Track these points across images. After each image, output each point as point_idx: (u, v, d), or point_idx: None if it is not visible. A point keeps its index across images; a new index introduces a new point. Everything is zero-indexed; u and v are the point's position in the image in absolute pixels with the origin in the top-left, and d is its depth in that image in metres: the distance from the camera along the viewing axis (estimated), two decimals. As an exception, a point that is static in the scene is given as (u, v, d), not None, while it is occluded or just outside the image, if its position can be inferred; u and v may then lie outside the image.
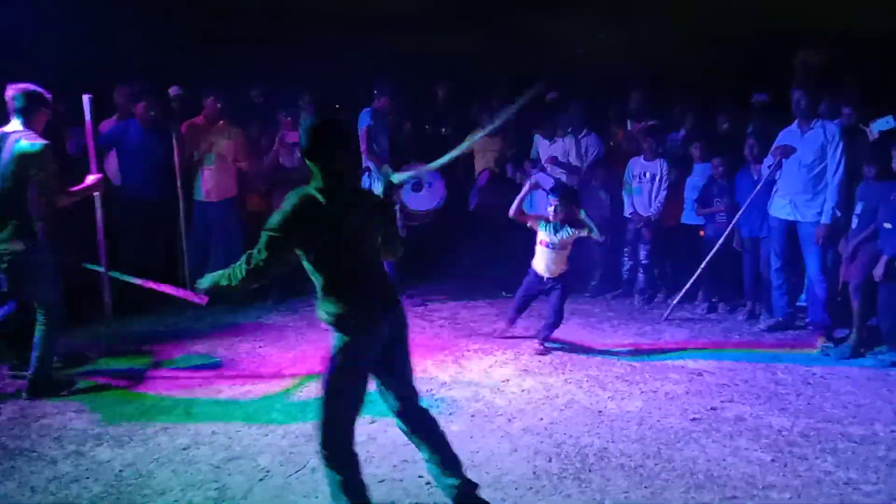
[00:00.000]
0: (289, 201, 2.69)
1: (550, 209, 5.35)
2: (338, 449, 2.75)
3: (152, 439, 3.82)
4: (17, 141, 4.23)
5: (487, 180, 7.09)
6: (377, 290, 2.82)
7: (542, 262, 5.39)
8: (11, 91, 4.33)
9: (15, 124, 4.32)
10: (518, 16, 8.63)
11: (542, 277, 5.40)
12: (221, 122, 6.36)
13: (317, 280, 2.76)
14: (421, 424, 2.97)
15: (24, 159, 4.20)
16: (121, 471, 3.48)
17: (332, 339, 2.76)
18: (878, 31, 7.04)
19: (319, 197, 2.69)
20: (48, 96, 4.43)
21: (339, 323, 2.73)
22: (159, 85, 6.70)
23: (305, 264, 2.77)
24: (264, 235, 2.68)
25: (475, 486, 3.02)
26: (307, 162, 2.76)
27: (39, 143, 4.25)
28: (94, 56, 6.51)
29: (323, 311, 2.77)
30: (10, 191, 4.25)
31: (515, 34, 8.65)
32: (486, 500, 3.04)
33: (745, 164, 6.14)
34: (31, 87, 4.37)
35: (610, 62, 7.96)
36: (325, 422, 2.74)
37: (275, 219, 2.67)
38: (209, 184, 6.30)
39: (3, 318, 4.54)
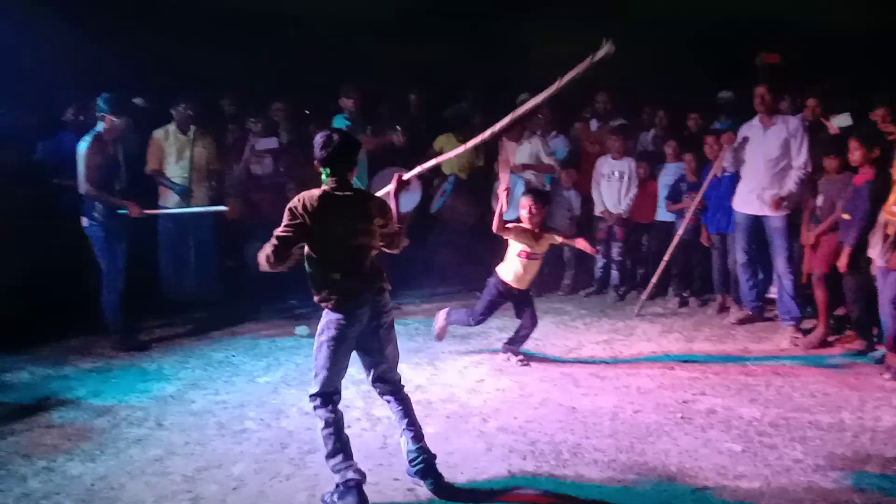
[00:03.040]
0: (296, 200, 3.15)
1: (524, 212, 5.02)
2: (322, 395, 3.23)
3: (124, 452, 3.77)
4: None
5: (454, 184, 7.10)
6: (362, 276, 3.23)
7: (520, 274, 5.01)
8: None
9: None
10: (491, 23, 8.73)
11: (510, 288, 5.07)
12: (192, 129, 6.30)
13: (314, 267, 3.21)
14: (396, 398, 3.40)
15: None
16: (92, 485, 3.44)
17: (323, 316, 3.22)
18: (845, 30, 7.21)
19: (326, 196, 3.18)
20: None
21: (327, 305, 3.20)
22: (127, 95, 6.64)
23: (307, 252, 3.21)
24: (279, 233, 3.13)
25: (434, 455, 3.37)
26: (320, 168, 3.25)
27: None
28: (65, 69, 6.46)
29: (318, 295, 3.23)
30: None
31: (488, 40, 8.73)
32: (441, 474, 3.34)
33: (709, 162, 6.24)
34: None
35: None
36: (315, 375, 3.25)
37: (285, 217, 3.13)
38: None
39: None
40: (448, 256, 7.41)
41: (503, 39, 8.70)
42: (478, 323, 5.19)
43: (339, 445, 3.19)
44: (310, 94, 8.01)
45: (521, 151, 7.03)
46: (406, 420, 3.36)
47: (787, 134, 5.55)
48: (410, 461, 3.34)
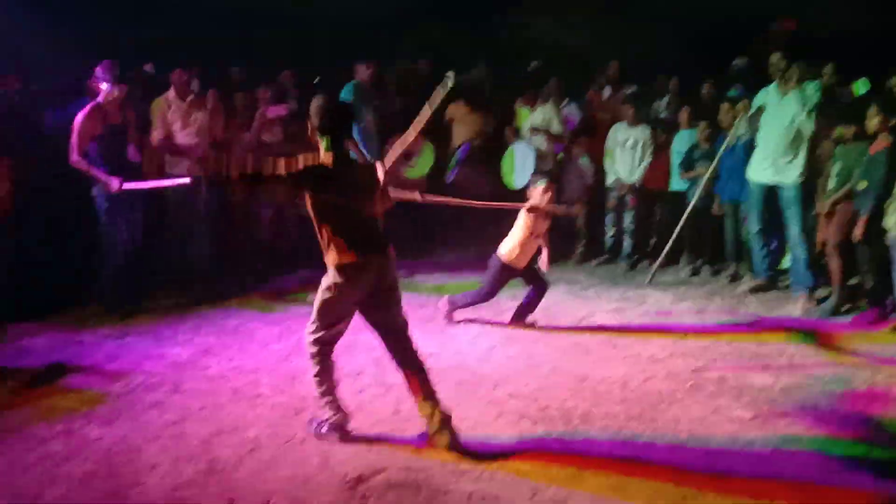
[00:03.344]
0: (303, 161, 3.22)
1: (546, 195, 5.06)
2: (316, 345, 3.42)
3: (141, 416, 3.84)
4: None
5: (467, 153, 7.09)
6: (370, 242, 3.35)
7: (524, 253, 5.07)
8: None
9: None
10: (497, 15, 8.72)
11: (513, 269, 5.09)
12: (192, 96, 6.19)
13: (321, 230, 3.31)
14: (404, 357, 3.47)
15: None
16: (110, 448, 3.50)
17: (328, 273, 3.35)
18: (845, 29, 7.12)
19: (327, 163, 3.27)
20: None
21: (336, 267, 3.29)
22: (132, 63, 6.60)
23: (313, 216, 3.31)
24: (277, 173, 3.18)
25: (449, 416, 3.41)
26: (318, 135, 3.31)
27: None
28: (76, 36, 6.43)
29: (327, 256, 3.33)
30: None
31: (495, 31, 8.72)
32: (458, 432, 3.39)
33: (722, 129, 6.17)
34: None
35: (590, 34, 8.02)
36: (313, 322, 3.42)
37: (291, 168, 3.19)
38: (188, 160, 6.08)
39: None
40: (461, 225, 7.41)
41: (509, 31, 8.68)
42: (486, 301, 5.25)
43: (328, 386, 3.46)
44: (321, 64, 7.99)
45: (534, 117, 7.01)
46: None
47: (803, 98, 5.48)
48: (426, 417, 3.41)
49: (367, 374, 4.35)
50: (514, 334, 5.04)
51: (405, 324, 3.53)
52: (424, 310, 5.62)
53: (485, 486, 3.10)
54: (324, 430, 3.49)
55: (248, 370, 4.44)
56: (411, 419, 3.70)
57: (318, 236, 3.34)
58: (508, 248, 5.09)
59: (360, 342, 4.87)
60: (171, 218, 6.23)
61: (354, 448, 3.44)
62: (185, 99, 6.14)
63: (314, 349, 3.43)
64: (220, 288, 6.10)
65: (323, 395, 3.46)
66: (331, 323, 3.39)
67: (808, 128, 5.44)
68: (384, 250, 3.39)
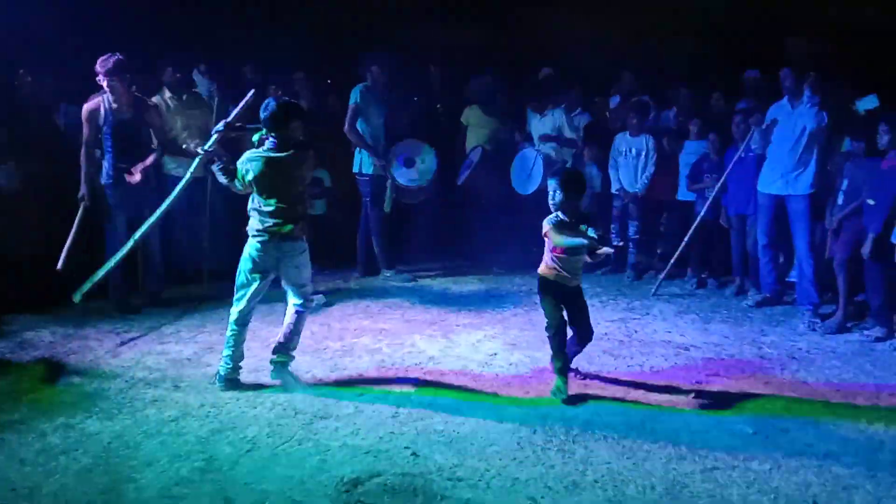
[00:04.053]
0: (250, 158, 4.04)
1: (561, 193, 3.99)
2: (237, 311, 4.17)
3: (140, 412, 3.84)
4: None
5: (479, 157, 7.07)
6: (282, 225, 4.01)
7: (566, 266, 4.07)
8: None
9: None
10: (512, 5, 8.73)
11: (560, 285, 4.10)
12: (188, 94, 6.17)
13: (251, 204, 4.07)
14: (294, 310, 4.20)
15: None
16: (109, 442, 3.50)
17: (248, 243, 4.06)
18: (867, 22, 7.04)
19: (268, 158, 3.99)
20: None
21: (253, 235, 4.04)
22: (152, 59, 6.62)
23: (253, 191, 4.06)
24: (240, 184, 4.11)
25: (290, 358, 4.22)
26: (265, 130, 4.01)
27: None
28: (89, 34, 6.46)
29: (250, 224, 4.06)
30: None
31: (509, 23, 8.72)
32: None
33: (734, 141, 6.14)
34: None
35: (603, 44, 8.01)
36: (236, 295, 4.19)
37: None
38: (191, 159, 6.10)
39: None
40: (468, 230, 7.40)
41: (527, 23, 8.67)
42: (558, 331, 4.08)
43: (238, 353, 4.19)
44: (332, 64, 8.02)
45: (544, 123, 7.00)
46: (286, 326, 4.19)
47: (815, 113, 5.47)
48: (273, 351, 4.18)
49: (367, 377, 4.34)
50: (517, 341, 5.02)
51: (298, 283, 4.15)
52: (428, 314, 5.62)
53: (482, 493, 3.09)
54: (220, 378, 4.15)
55: (250, 369, 4.41)
56: (409, 423, 3.70)
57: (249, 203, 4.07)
58: (544, 262, 4.16)
59: (361, 346, 4.89)
60: (176, 217, 6.23)
61: (353, 451, 3.43)
62: (182, 97, 6.13)
63: (235, 314, 4.12)
64: (224, 286, 6.07)
65: (232, 357, 4.14)
66: (243, 284, 4.09)
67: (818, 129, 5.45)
68: (293, 232, 4.01)
